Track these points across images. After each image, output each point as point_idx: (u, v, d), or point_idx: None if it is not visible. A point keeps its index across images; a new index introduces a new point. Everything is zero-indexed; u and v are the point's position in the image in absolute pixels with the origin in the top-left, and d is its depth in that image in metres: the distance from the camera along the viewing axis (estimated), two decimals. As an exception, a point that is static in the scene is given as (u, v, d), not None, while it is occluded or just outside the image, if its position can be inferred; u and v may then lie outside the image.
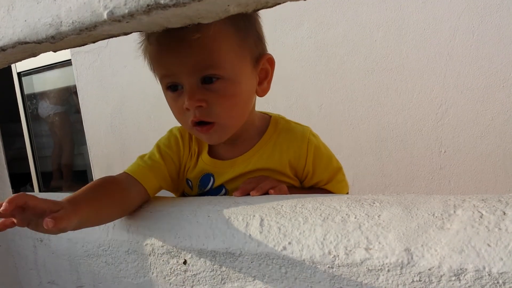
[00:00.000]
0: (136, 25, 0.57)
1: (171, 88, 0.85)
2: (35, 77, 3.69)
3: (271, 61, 0.89)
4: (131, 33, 0.66)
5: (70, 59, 2.85)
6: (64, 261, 0.85)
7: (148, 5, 0.47)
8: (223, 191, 0.93)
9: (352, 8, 1.83)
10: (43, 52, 0.76)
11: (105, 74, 2.61)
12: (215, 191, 0.93)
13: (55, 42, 0.58)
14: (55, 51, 0.76)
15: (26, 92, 3.72)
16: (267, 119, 0.97)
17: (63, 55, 3.04)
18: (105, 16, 0.51)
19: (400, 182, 1.80)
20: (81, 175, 3.68)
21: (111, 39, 2.23)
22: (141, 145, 2.57)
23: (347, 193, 1.00)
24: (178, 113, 0.86)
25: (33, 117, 3.79)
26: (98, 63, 2.61)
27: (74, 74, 2.78)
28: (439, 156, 1.73)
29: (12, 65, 3.51)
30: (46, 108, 3.73)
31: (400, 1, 1.71)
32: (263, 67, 0.88)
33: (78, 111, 2.95)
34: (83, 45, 0.71)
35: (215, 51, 0.80)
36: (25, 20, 0.59)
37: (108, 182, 0.82)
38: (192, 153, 0.96)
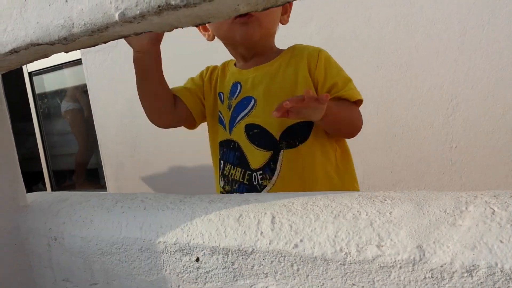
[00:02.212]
0: (146, 26, 0.58)
1: None
2: (45, 76, 3.72)
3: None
4: (141, 33, 0.67)
5: (80, 59, 2.87)
6: (78, 259, 0.87)
7: (159, 6, 0.48)
8: (252, 101, 1.06)
9: (361, 3, 1.82)
10: (55, 53, 0.76)
11: (115, 73, 2.63)
12: (245, 102, 1.07)
13: (67, 43, 0.59)
14: (66, 52, 0.77)
15: (37, 91, 3.75)
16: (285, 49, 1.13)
17: (73, 54, 3.06)
18: (116, 17, 0.51)
19: (410, 178, 1.80)
20: (93, 173, 3.71)
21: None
22: (151, 143, 2.58)
23: (361, 101, 1.08)
24: (225, 23, 0.99)
25: (45, 116, 3.82)
26: (108, 62, 2.63)
27: (84, 73, 2.80)
28: (450, 151, 1.72)
29: (24, 67, 3.55)
30: (65, 105, 3.77)
31: (410, -4, 1.70)
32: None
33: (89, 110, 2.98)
34: (95, 45, 0.72)
35: None
36: (38, 22, 0.59)
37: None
38: (219, 73, 1.16)
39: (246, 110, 1.07)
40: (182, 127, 1.20)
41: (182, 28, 0.65)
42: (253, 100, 1.07)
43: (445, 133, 1.72)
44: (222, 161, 1.12)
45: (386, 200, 0.62)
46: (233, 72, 1.13)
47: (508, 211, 0.52)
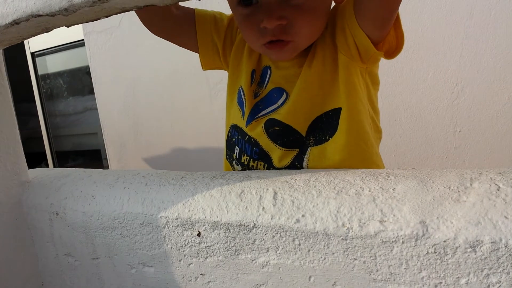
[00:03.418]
0: (150, -4, 0.57)
1: (244, 1, 0.78)
2: (48, 57, 3.70)
3: None
4: (143, 6, 0.66)
5: (83, 39, 2.85)
6: (79, 233, 0.87)
7: (162, -28, 0.47)
8: (284, 96, 0.88)
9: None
10: (57, 27, 0.75)
11: (118, 54, 2.61)
12: (274, 95, 0.89)
13: (68, 14, 0.58)
14: (68, 26, 0.76)
15: (40, 72, 3.74)
16: None
17: (76, 35, 3.04)
18: (119, -16, 0.50)
19: (414, 162, 1.79)
20: (96, 154, 3.72)
21: (123, 18, 2.23)
22: (153, 124, 2.58)
23: None
24: (251, 31, 0.80)
25: (47, 96, 3.82)
26: (111, 42, 2.61)
27: (87, 54, 2.79)
28: (454, 136, 1.71)
29: (26, 46, 3.53)
30: None
31: (417, -22, 1.68)
32: None
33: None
34: (96, 19, 0.71)
35: None
36: (39, -9, 0.58)
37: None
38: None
39: (275, 106, 0.90)
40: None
41: (184, 1, 0.64)
42: (285, 94, 0.89)
43: (450, 117, 1.71)
44: (237, 148, 0.96)
45: (389, 176, 0.61)
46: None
47: (513, 187, 0.51)
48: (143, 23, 0.96)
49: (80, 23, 0.73)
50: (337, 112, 0.86)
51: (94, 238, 0.84)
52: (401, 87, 1.77)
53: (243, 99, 0.94)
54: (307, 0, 0.76)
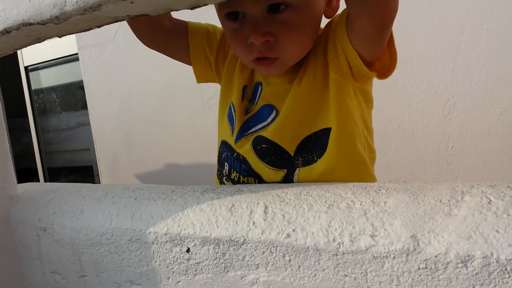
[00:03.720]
0: (140, 6, 0.57)
1: (231, 15, 0.78)
2: (42, 72, 3.70)
3: None
4: (136, 16, 0.65)
5: (77, 53, 2.85)
6: (67, 250, 0.85)
7: (151, -16, 0.47)
8: (274, 113, 0.86)
9: (359, 2, 1.81)
10: (49, 37, 0.75)
11: (112, 68, 2.61)
12: (265, 112, 0.88)
13: (59, 23, 0.58)
14: (60, 36, 0.76)
15: (33, 87, 3.73)
16: None
17: (70, 49, 3.04)
18: (108, -5, 0.50)
19: (407, 178, 1.79)
20: (88, 171, 3.69)
21: (117, 32, 2.23)
22: (147, 139, 2.57)
23: None
24: (239, 45, 0.79)
25: (40, 111, 3.80)
26: (105, 56, 2.61)
27: (81, 68, 2.78)
28: (447, 152, 1.71)
29: (19, 59, 3.52)
30: None
31: (408, -5, 1.69)
32: None
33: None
34: (88, 29, 0.71)
35: None
36: (29, 1, 0.58)
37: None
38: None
39: (265, 123, 0.88)
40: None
41: (177, 10, 0.63)
42: (275, 111, 0.87)
43: (442, 133, 1.71)
44: (227, 164, 0.94)
45: (380, 190, 0.61)
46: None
47: (505, 201, 0.51)
48: (135, 35, 0.96)
49: (72, 33, 0.73)
50: (326, 132, 0.83)
51: (82, 254, 0.83)
52: (393, 103, 1.78)
53: (233, 115, 0.93)
54: (294, 16, 0.75)
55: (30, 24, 0.60)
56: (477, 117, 1.64)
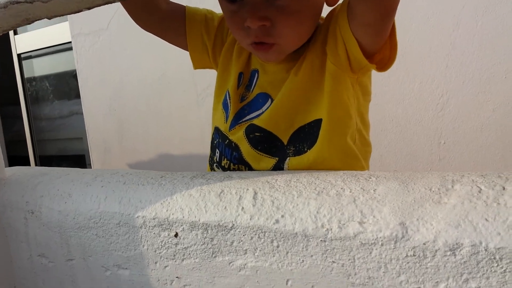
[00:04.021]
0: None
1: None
2: (35, 60, 3.67)
3: None
4: (127, -1, 0.64)
5: (70, 41, 2.83)
6: (54, 233, 0.84)
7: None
8: (269, 102, 0.86)
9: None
10: (38, 18, 0.74)
11: (105, 56, 2.59)
12: (260, 100, 0.87)
13: (47, 1, 0.56)
14: (49, 18, 0.74)
15: (26, 75, 3.70)
16: None
17: (64, 37, 3.01)
18: (98, -29, 0.49)
19: (398, 173, 1.79)
20: (80, 159, 3.67)
21: (112, 21, 2.21)
22: (139, 129, 2.56)
23: None
24: (237, 28, 0.79)
25: (33, 100, 3.77)
26: (98, 45, 2.59)
27: (74, 57, 2.76)
28: (439, 147, 1.72)
29: (13, 47, 3.49)
30: None
31: (405, -10, 1.69)
32: None
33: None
34: (78, 11, 0.69)
35: None
36: (17, -22, 0.57)
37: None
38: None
39: (259, 111, 0.87)
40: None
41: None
42: (270, 100, 0.86)
43: (434, 128, 1.71)
44: (218, 151, 0.94)
45: (371, 178, 0.60)
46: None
47: (495, 190, 0.51)
48: (130, 17, 0.94)
49: (62, 15, 0.72)
50: (318, 123, 0.83)
51: (69, 238, 0.82)
52: (386, 98, 1.77)
53: (228, 102, 0.92)
54: (292, 2, 0.74)
55: (18, 2, 0.59)
56: (470, 113, 1.64)
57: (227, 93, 0.93)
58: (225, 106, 0.93)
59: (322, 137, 0.82)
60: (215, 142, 0.95)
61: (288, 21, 0.75)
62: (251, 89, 0.90)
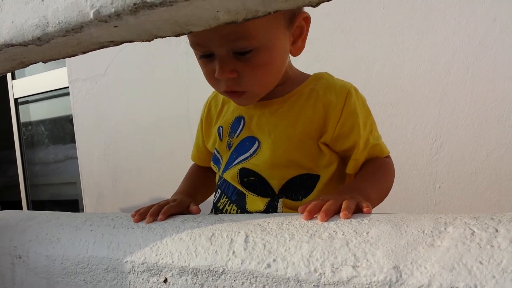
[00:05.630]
0: (124, 31, 0.57)
1: (204, 55, 0.83)
2: (32, 105, 3.69)
3: (307, 20, 0.84)
4: (121, 43, 0.65)
5: (67, 87, 2.86)
6: (41, 279, 0.82)
7: (134, 4, 0.47)
8: (256, 144, 0.89)
9: (348, 43, 1.85)
10: (33, 62, 0.75)
11: (101, 102, 2.62)
12: (247, 144, 0.91)
13: (41, 44, 0.57)
14: (44, 62, 0.75)
15: (22, 120, 3.71)
16: (308, 75, 0.95)
17: (61, 82, 3.04)
18: (91, 15, 0.50)
19: (394, 217, 1.77)
20: (73, 204, 3.63)
21: (109, 66, 2.25)
22: (133, 174, 2.55)
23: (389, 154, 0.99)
24: (210, 78, 0.84)
25: (28, 144, 3.77)
26: (95, 90, 2.62)
27: (70, 101, 2.78)
28: (434, 192, 1.71)
29: (10, 92, 3.52)
30: None
31: (396, 38, 1.73)
32: (298, 25, 0.84)
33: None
34: (73, 55, 0.70)
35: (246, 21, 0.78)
36: (12, 22, 0.58)
37: (197, 171, 1.12)
38: (221, 103, 1.00)
39: (248, 154, 0.90)
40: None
41: (162, 38, 0.64)
42: (257, 142, 0.89)
43: (429, 173, 1.71)
44: (219, 191, 0.96)
45: (363, 220, 0.59)
46: (238, 105, 0.93)
47: (488, 232, 0.50)
48: None
49: (57, 59, 0.73)
50: (314, 178, 0.88)
51: (56, 284, 0.80)
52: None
53: (219, 157, 0.97)
54: (258, 56, 0.79)
55: (12, 45, 0.60)
56: (464, 158, 1.64)
57: (215, 151, 0.98)
58: (216, 162, 0.98)
59: (318, 189, 0.88)
60: (218, 182, 0.99)
61: (255, 72, 0.81)
62: (236, 134, 0.93)
